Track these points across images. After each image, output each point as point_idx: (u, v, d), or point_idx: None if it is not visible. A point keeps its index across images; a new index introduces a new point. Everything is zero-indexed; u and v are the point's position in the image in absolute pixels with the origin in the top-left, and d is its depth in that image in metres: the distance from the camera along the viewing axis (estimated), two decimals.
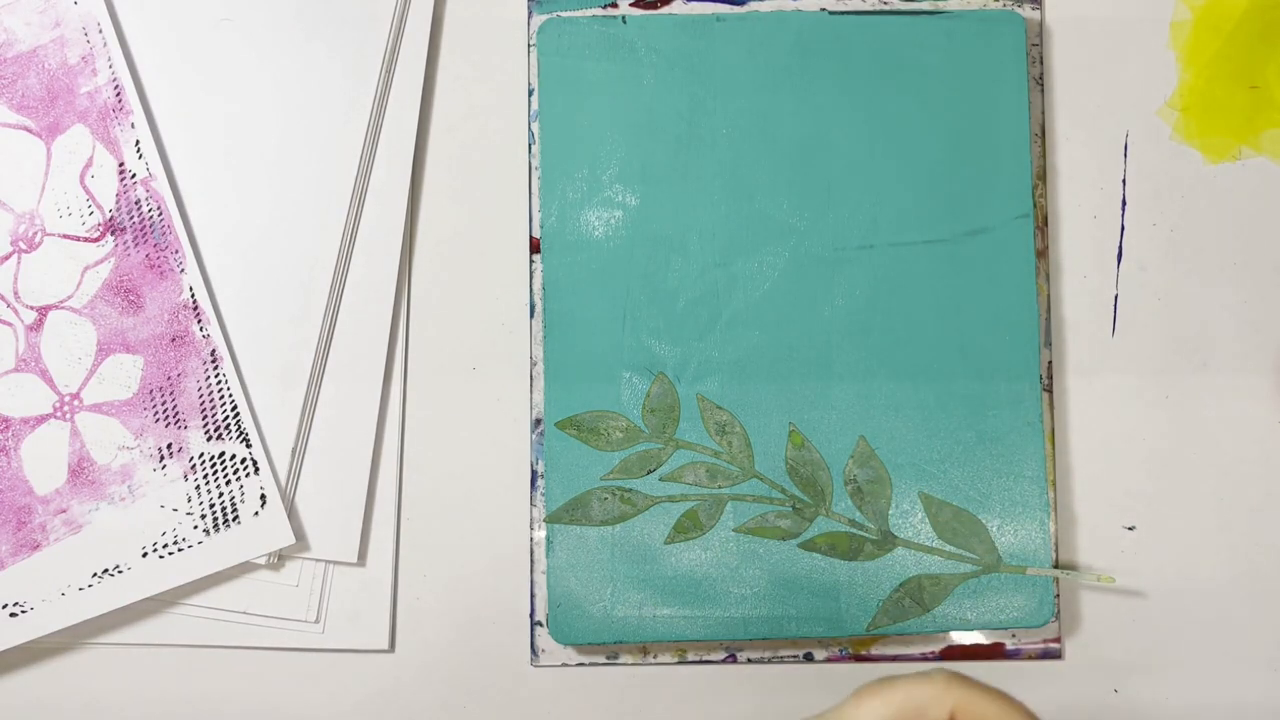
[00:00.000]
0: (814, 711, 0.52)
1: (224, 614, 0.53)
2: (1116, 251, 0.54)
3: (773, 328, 0.52)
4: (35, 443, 0.52)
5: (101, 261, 0.53)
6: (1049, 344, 0.53)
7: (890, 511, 0.52)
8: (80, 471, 0.52)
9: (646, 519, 0.52)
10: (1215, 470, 0.53)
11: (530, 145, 0.54)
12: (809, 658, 0.52)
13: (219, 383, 0.52)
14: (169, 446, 0.52)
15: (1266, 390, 0.54)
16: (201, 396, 0.52)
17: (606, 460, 0.52)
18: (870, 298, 0.52)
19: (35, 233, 0.53)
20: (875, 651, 0.52)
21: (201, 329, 0.52)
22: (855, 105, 0.53)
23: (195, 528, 0.51)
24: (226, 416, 0.52)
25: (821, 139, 0.53)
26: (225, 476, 0.52)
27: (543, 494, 0.52)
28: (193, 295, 0.52)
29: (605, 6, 0.54)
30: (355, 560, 0.53)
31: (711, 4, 0.54)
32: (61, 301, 0.53)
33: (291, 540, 0.52)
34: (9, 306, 0.53)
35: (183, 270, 0.52)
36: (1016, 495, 0.52)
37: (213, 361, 0.52)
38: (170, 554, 0.51)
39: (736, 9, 0.54)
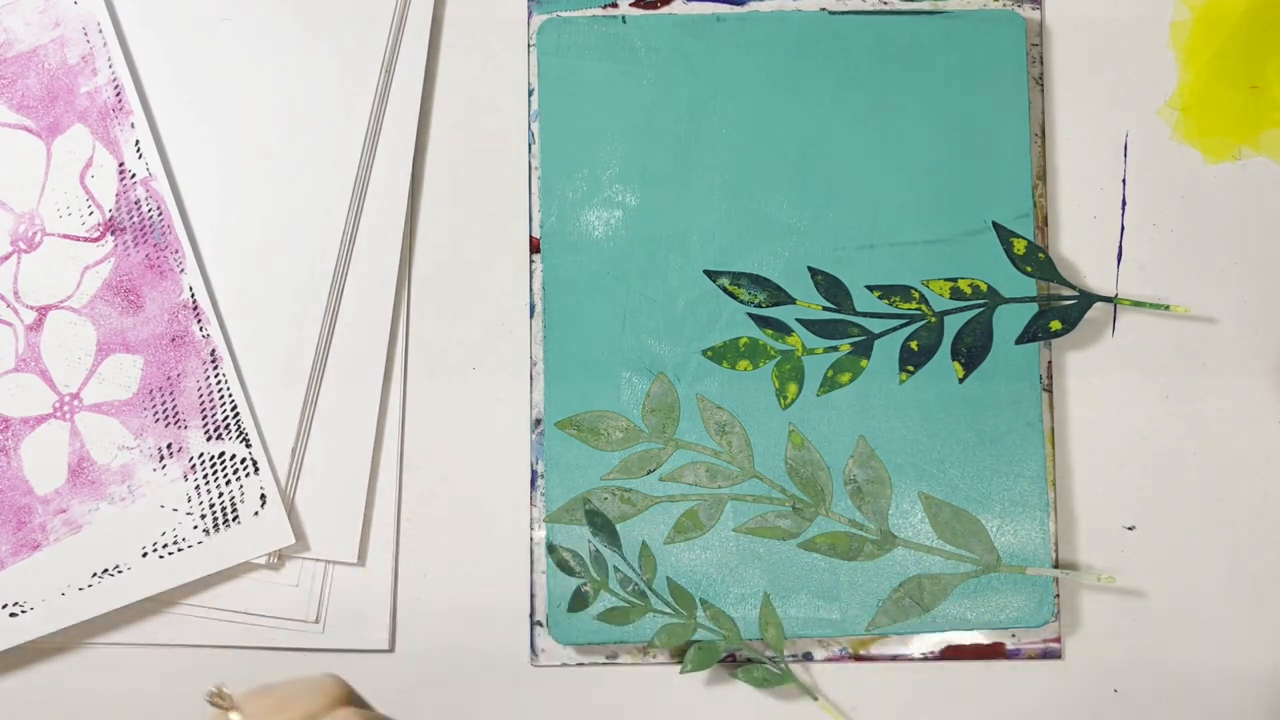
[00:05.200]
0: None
1: (224, 614, 0.53)
2: (1116, 251, 0.54)
3: None
4: (35, 443, 0.52)
5: (101, 261, 0.53)
6: (1049, 344, 0.53)
7: (890, 511, 0.52)
8: (80, 471, 0.52)
9: (646, 519, 0.52)
10: (1215, 470, 0.53)
11: (530, 145, 0.54)
12: (808, 658, 0.52)
13: (219, 383, 0.52)
14: (169, 446, 0.52)
15: (1266, 390, 0.54)
16: (201, 396, 0.52)
17: (606, 460, 0.52)
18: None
19: (35, 233, 0.53)
20: (875, 651, 0.52)
21: (201, 329, 0.52)
22: (855, 105, 0.53)
23: (195, 528, 0.51)
24: (226, 416, 0.52)
25: (821, 139, 0.53)
26: (225, 476, 0.52)
27: (543, 494, 0.52)
28: (192, 295, 0.52)
29: (605, 6, 0.54)
30: (355, 560, 0.53)
31: (711, 4, 0.54)
32: (61, 301, 0.53)
33: (291, 540, 0.52)
34: (9, 306, 0.53)
35: (182, 270, 0.52)
36: (1016, 495, 0.52)
37: (212, 361, 0.52)
38: (170, 554, 0.51)
39: (736, 9, 0.54)
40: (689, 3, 0.54)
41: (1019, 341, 0.52)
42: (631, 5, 0.54)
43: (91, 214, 0.53)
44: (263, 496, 0.52)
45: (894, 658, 0.52)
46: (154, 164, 0.53)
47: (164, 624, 0.53)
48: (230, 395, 0.52)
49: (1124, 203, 0.54)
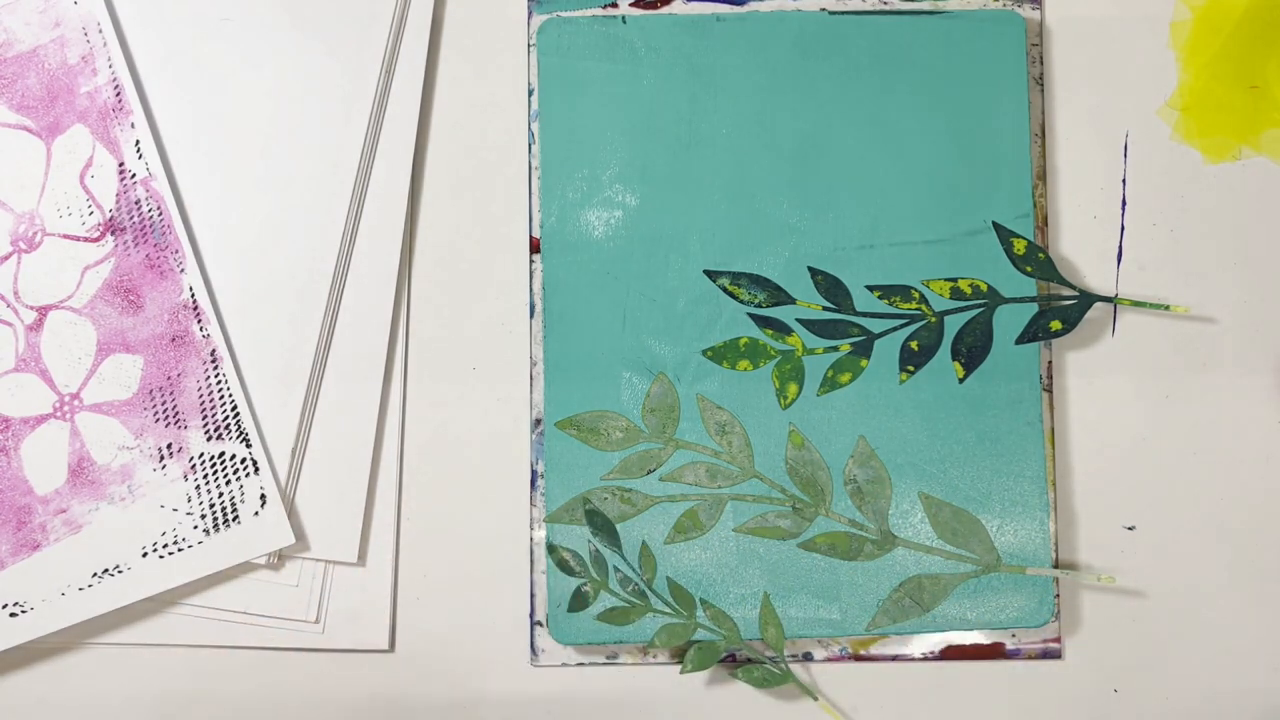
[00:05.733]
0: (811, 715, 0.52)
1: (224, 614, 0.53)
2: (1116, 251, 0.54)
3: None
4: (35, 443, 0.52)
5: (101, 261, 0.53)
6: (1049, 344, 0.53)
7: (890, 511, 0.52)
8: (80, 471, 0.52)
9: (646, 519, 0.52)
10: (1215, 470, 0.53)
11: (530, 145, 0.54)
12: (808, 657, 0.52)
13: (219, 383, 0.52)
14: (169, 446, 0.52)
15: (1266, 390, 0.54)
16: (201, 396, 0.52)
17: (606, 460, 0.52)
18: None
19: (35, 233, 0.53)
20: (875, 651, 0.52)
21: (201, 329, 0.52)
22: (855, 105, 0.53)
23: (195, 528, 0.51)
24: (226, 416, 0.52)
25: (821, 139, 0.53)
26: (225, 476, 0.52)
27: (543, 494, 0.52)
28: (192, 295, 0.52)
29: (605, 6, 0.54)
30: (355, 560, 0.53)
31: (711, 4, 0.54)
32: (61, 301, 0.53)
33: (291, 540, 0.52)
34: (9, 306, 0.53)
35: (182, 270, 0.52)
36: (1016, 495, 0.52)
37: (213, 361, 0.52)
38: (170, 554, 0.51)
39: (736, 9, 0.54)
40: (689, 3, 0.54)
41: (1019, 341, 0.52)
42: (631, 5, 0.54)
43: (91, 214, 0.53)
44: (263, 496, 0.52)
45: (894, 658, 0.52)
46: (154, 164, 0.53)
47: (164, 624, 0.53)
48: (230, 395, 0.52)
49: (1124, 203, 0.54)
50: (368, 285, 0.53)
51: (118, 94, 0.53)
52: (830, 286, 0.52)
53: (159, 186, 0.53)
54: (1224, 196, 0.54)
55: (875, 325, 0.52)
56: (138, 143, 0.53)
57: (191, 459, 0.52)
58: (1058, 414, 0.53)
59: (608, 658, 0.52)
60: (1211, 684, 0.53)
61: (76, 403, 0.52)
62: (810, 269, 0.52)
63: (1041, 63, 0.54)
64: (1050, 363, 0.53)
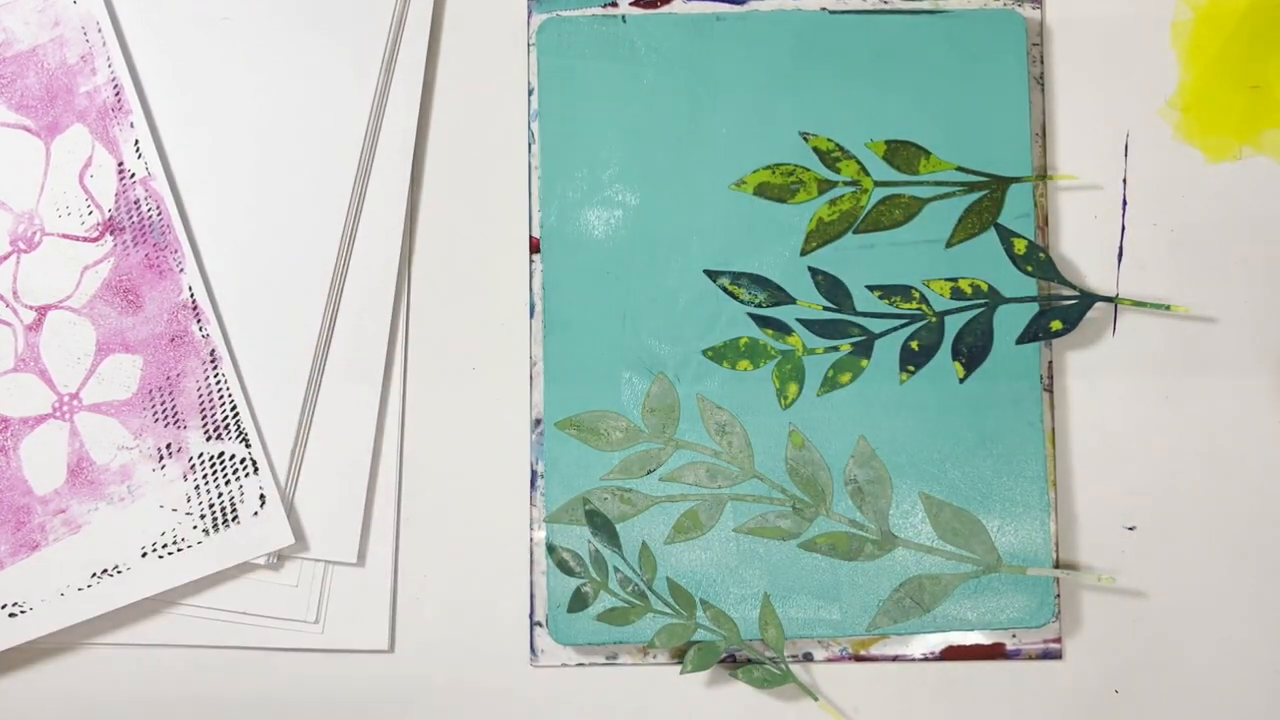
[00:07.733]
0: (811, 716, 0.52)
1: (223, 614, 0.53)
2: (1117, 251, 0.54)
3: None
4: (34, 443, 0.52)
5: (101, 261, 0.53)
6: (1050, 344, 0.53)
7: (891, 512, 0.52)
8: (79, 471, 0.52)
9: (646, 519, 0.52)
10: (1215, 470, 0.53)
11: (530, 145, 0.54)
12: (808, 658, 0.52)
13: (218, 382, 0.52)
14: (168, 446, 0.52)
15: (1266, 390, 0.54)
16: (201, 396, 0.52)
17: (606, 460, 0.52)
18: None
19: (34, 232, 0.53)
20: (875, 652, 0.52)
21: (201, 329, 0.52)
22: (855, 105, 0.53)
23: (195, 528, 0.51)
24: (226, 416, 0.52)
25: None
26: (225, 476, 0.52)
27: (543, 494, 0.52)
28: (192, 295, 0.52)
29: (605, 6, 0.54)
30: (355, 560, 0.53)
31: (711, 4, 0.54)
32: (61, 301, 0.53)
33: (291, 540, 0.52)
34: (8, 306, 0.53)
35: (182, 270, 0.52)
36: (1017, 495, 0.52)
37: (212, 361, 0.52)
38: (169, 554, 0.51)
39: (736, 8, 0.54)
40: (689, 2, 0.54)
41: (1020, 341, 0.52)
42: (631, 5, 0.54)
43: (91, 214, 0.53)
44: (262, 497, 0.52)
45: (894, 658, 0.52)
46: (153, 164, 0.53)
47: (164, 624, 0.53)
48: (230, 395, 0.52)
49: (1124, 203, 0.54)
50: (368, 285, 0.53)
51: (117, 93, 0.53)
52: (830, 286, 0.52)
53: (158, 186, 0.53)
54: (1225, 196, 0.54)
55: (875, 325, 0.52)
56: (137, 142, 0.53)
57: (191, 459, 0.52)
58: (1058, 414, 0.53)
59: (607, 658, 0.52)
60: (1211, 684, 0.53)
61: (76, 403, 0.52)
62: (810, 269, 0.52)
63: (1042, 63, 0.54)
64: (1051, 363, 0.53)
